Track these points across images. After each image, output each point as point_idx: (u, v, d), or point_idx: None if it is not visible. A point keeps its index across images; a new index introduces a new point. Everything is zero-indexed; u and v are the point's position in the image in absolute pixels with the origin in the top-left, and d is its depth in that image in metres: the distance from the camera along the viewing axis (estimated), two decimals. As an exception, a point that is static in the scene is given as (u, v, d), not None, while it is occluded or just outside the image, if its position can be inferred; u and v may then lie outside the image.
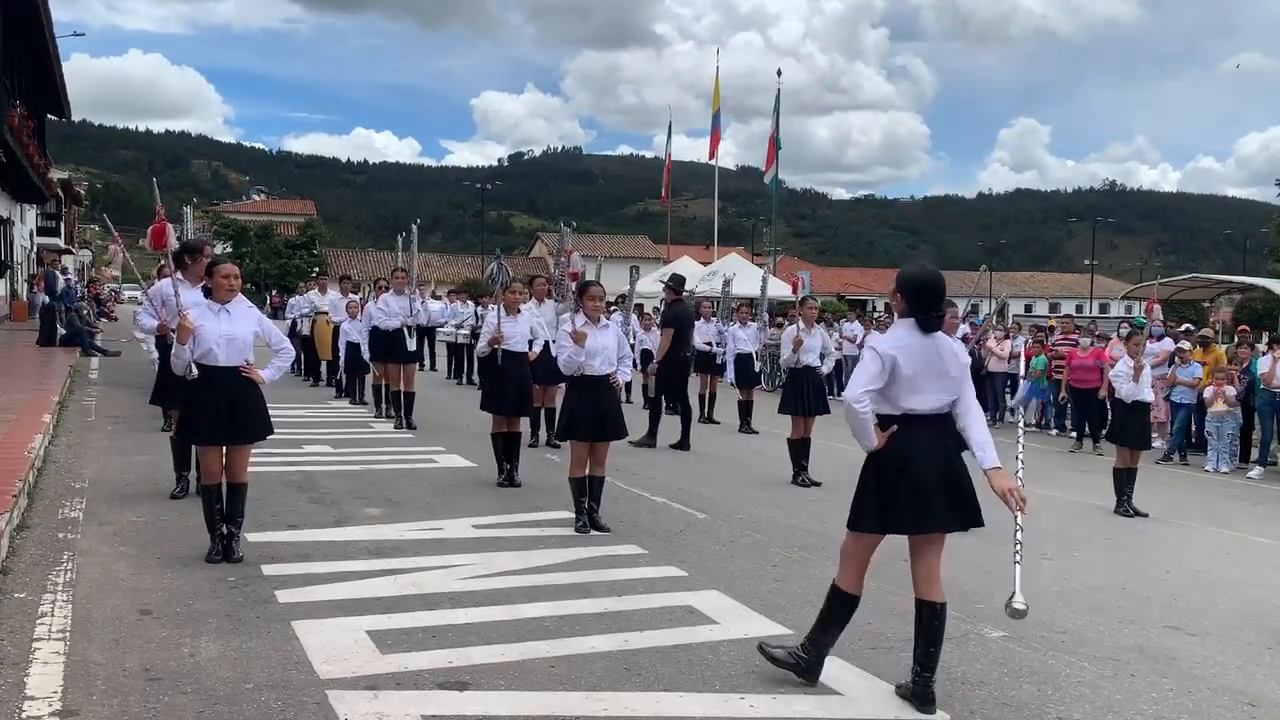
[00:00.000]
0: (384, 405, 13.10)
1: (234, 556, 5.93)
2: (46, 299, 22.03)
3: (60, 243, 41.30)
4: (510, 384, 8.85)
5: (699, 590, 5.84)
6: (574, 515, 7.23)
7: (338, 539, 6.62)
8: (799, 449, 9.84)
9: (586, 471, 7.24)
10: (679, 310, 12.34)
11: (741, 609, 5.52)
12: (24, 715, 3.82)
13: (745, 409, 14.13)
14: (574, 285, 7.71)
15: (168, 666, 4.33)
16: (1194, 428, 13.55)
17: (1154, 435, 14.64)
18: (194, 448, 7.05)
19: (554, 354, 7.83)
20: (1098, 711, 4.38)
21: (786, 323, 16.60)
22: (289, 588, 5.49)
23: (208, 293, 6.03)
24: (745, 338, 15.17)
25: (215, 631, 4.78)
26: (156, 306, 7.52)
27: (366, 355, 13.28)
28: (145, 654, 4.47)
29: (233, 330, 5.93)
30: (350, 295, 15.80)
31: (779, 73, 35.77)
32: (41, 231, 37.73)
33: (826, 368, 10.49)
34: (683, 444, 11.57)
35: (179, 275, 7.21)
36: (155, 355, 11.64)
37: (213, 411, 5.85)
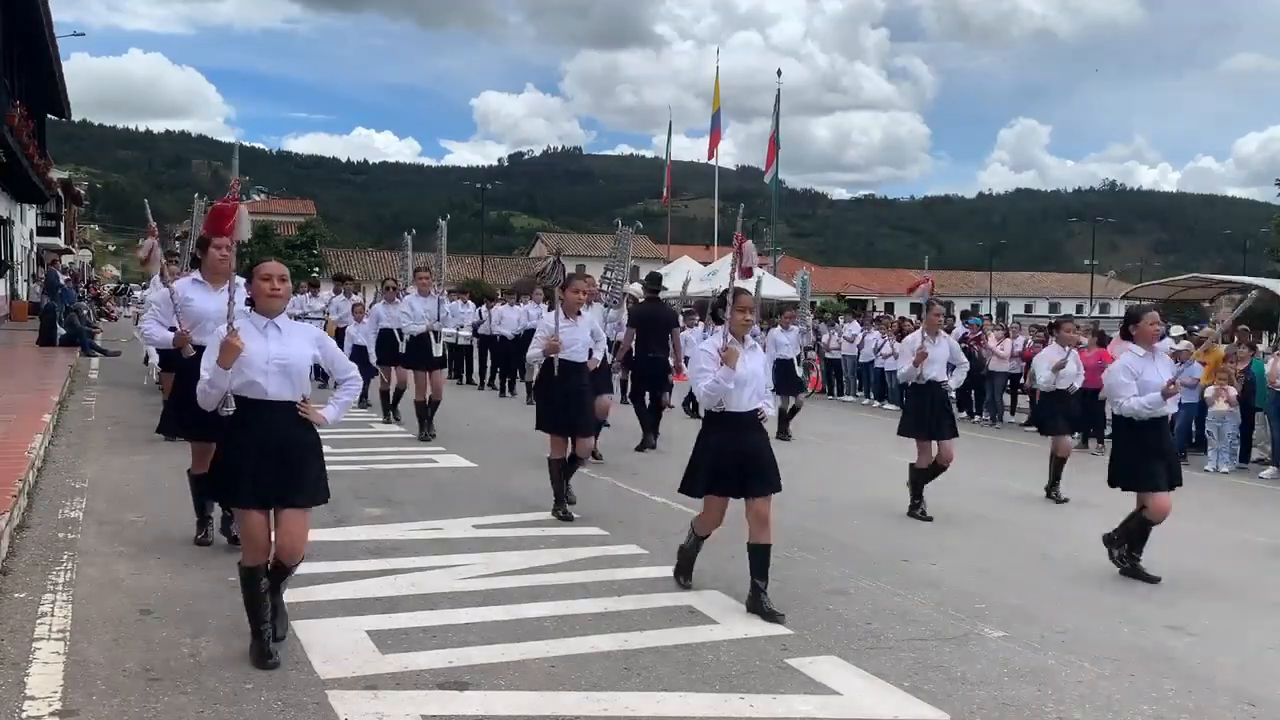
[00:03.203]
0: (391, 410, 12.79)
1: (279, 636, 4.56)
2: (44, 296, 22.02)
3: (60, 243, 41.30)
4: (570, 399, 7.67)
5: (699, 590, 5.84)
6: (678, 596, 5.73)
7: (338, 539, 6.61)
8: (922, 477, 8.47)
9: (751, 542, 5.57)
10: (646, 310, 12.05)
11: (741, 609, 5.52)
12: (24, 715, 3.82)
13: (788, 415, 13.57)
14: (734, 281, 5.68)
15: (168, 666, 4.34)
16: (1194, 427, 13.55)
17: None
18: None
19: (685, 380, 6.43)
20: (1098, 711, 4.38)
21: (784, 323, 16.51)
22: (289, 587, 5.46)
23: (249, 303, 4.57)
24: (786, 342, 14.29)
25: (215, 631, 4.78)
26: (165, 312, 6.30)
27: (373, 359, 12.76)
28: (145, 654, 4.47)
29: (285, 353, 4.45)
30: (354, 297, 15.69)
31: (779, 73, 35.80)
32: (41, 231, 37.71)
33: (955, 382, 8.87)
34: (645, 444, 11.30)
35: (197, 274, 6.23)
36: (155, 363, 11.00)
37: (256, 462, 4.37)
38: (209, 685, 4.16)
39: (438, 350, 11.70)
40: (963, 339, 17.54)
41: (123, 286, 54.49)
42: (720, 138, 38.62)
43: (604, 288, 11.79)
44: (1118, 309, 47.36)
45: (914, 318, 19.47)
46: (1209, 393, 12.73)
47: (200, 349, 5.69)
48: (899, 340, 18.78)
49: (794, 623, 5.28)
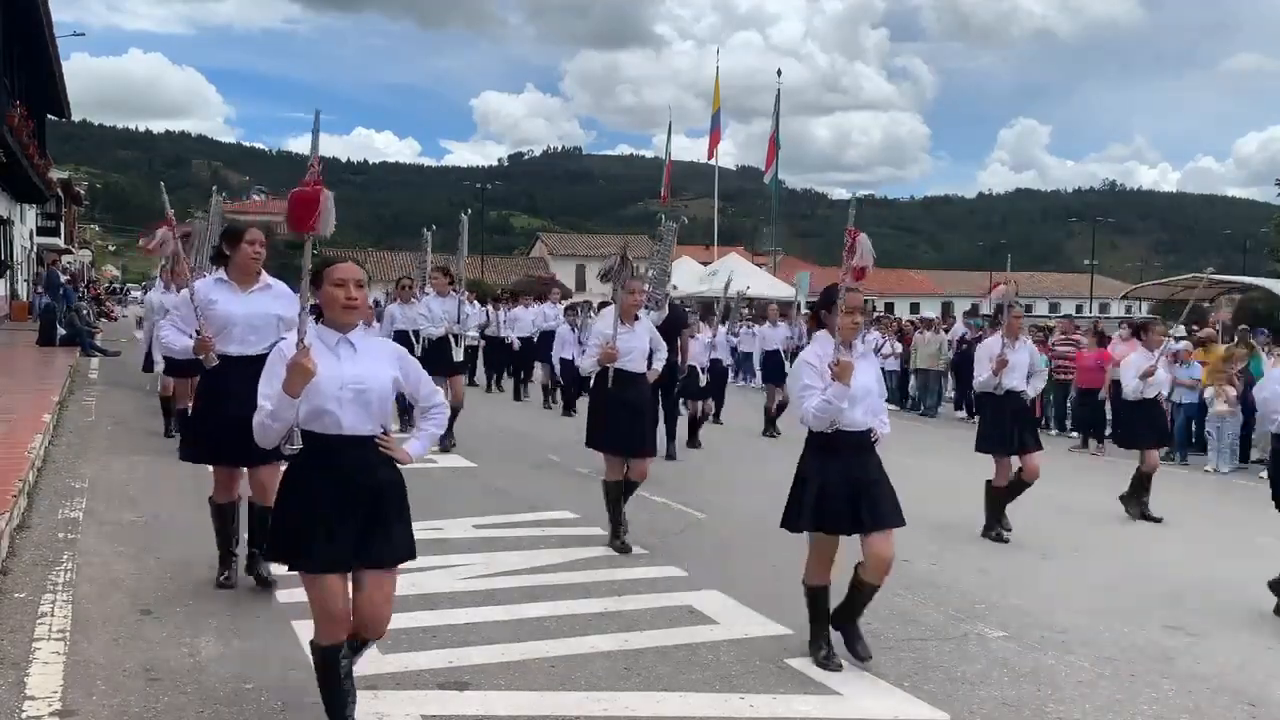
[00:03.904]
0: (405, 415, 12.43)
1: None
2: (45, 296, 22.01)
3: (60, 243, 41.31)
4: (627, 413, 6.87)
5: (699, 590, 5.84)
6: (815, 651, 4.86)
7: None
8: (1003, 496, 7.79)
9: (862, 578, 4.77)
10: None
11: (741, 609, 5.52)
12: (24, 715, 3.82)
13: (777, 411, 13.49)
14: (847, 280, 4.76)
15: (168, 666, 4.34)
16: (1194, 428, 13.55)
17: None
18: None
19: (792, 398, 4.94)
20: (1098, 711, 4.38)
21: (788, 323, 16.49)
22: (289, 587, 5.46)
23: (317, 314, 3.70)
24: (774, 336, 14.70)
25: (215, 631, 4.78)
26: (185, 318, 5.46)
27: None
28: (145, 654, 4.47)
29: (362, 375, 3.59)
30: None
31: (779, 73, 35.86)
32: (41, 231, 37.72)
33: (1033, 390, 8.17)
34: (692, 441, 11.47)
35: (220, 273, 5.51)
36: (160, 370, 10.13)
37: (331, 514, 3.53)
38: (209, 685, 4.16)
39: (458, 354, 11.20)
40: (963, 339, 17.57)
41: (118, 286, 54.31)
42: (720, 138, 38.66)
43: (644, 288, 11.56)
44: (1117, 309, 47.36)
45: (968, 322, 19.09)
46: (1209, 393, 12.74)
47: (226, 360, 5.28)
48: (899, 341, 18.84)
49: (794, 623, 5.28)
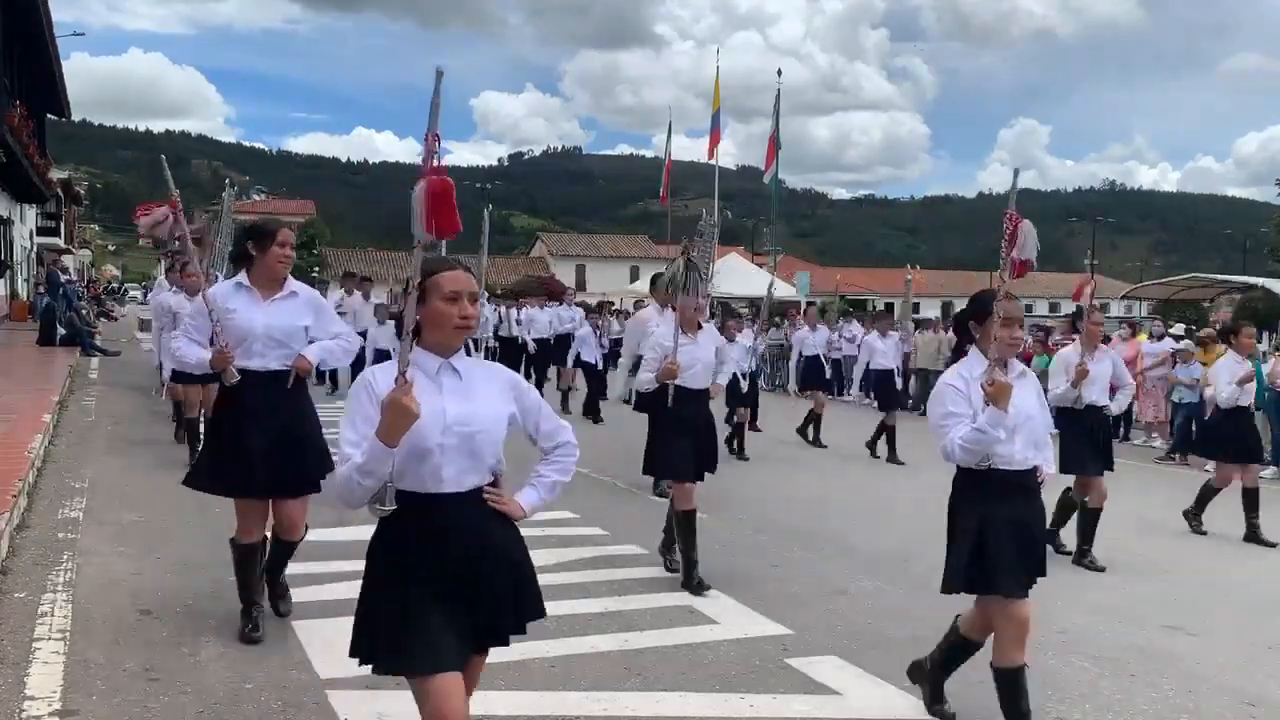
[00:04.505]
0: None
1: None
2: (45, 295, 22.01)
3: (60, 243, 41.32)
4: (691, 434, 6.15)
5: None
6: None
7: (338, 539, 6.61)
8: (1090, 519, 7.16)
9: (1012, 660, 3.94)
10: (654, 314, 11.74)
11: (741, 609, 5.52)
12: (24, 715, 3.82)
13: (816, 421, 12.85)
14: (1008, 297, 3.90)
15: (168, 666, 4.34)
16: (1194, 428, 13.55)
17: (1155, 435, 14.72)
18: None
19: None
20: (1098, 711, 4.38)
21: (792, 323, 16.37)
22: (289, 587, 5.49)
23: (404, 329, 2.79)
24: (813, 341, 13.62)
25: (215, 631, 4.78)
26: (200, 327, 4.84)
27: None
28: (145, 654, 4.47)
29: (471, 414, 2.82)
30: (373, 298, 15.29)
31: (779, 73, 35.71)
32: (41, 231, 37.73)
33: (1118, 406, 7.59)
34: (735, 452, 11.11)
35: (241, 277, 4.87)
36: (165, 375, 9.52)
37: (438, 592, 2.79)
38: (209, 685, 4.16)
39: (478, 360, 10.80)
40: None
41: (116, 286, 54.24)
42: (720, 138, 38.53)
43: (708, 292, 11.01)
44: (1117, 309, 47.34)
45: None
46: (1209, 393, 12.73)
47: (246, 375, 4.69)
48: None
49: (794, 623, 5.28)
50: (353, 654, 2.87)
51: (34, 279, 32.15)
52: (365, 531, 6.94)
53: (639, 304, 17.92)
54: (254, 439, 4.59)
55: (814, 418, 12.88)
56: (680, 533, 6.05)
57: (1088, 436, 7.11)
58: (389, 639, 2.78)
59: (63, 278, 24.26)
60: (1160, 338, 14.88)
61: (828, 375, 14.13)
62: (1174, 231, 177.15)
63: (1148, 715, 4.39)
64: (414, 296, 2.71)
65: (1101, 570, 6.95)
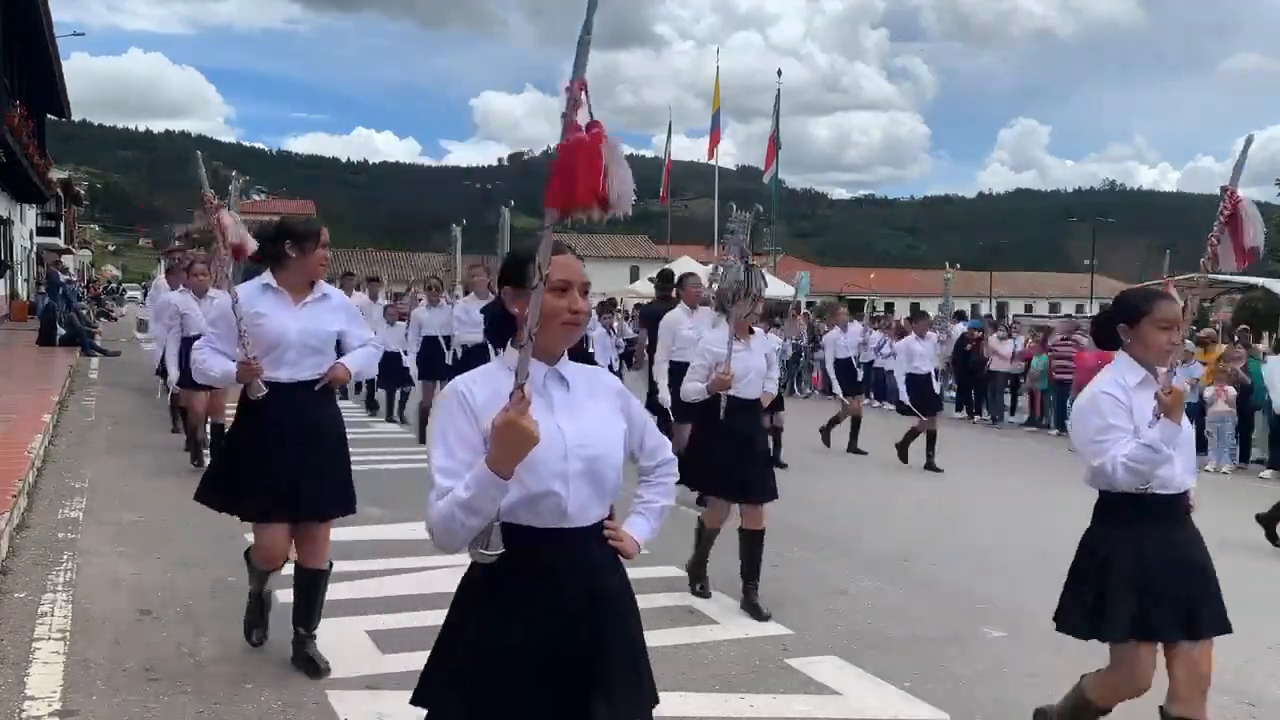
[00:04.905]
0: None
1: None
2: (45, 295, 22.01)
3: (60, 243, 41.34)
4: (740, 450, 5.68)
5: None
6: None
7: (338, 539, 6.56)
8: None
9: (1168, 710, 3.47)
10: (658, 309, 10.92)
11: (741, 609, 5.52)
12: (24, 715, 3.82)
13: (855, 426, 12.49)
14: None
15: (168, 666, 4.34)
16: (1193, 427, 13.58)
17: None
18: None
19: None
20: (1098, 711, 4.37)
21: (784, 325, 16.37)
22: (289, 588, 5.48)
23: (499, 336, 2.45)
24: (845, 342, 13.22)
25: (215, 631, 4.78)
26: (226, 335, 4.34)
27: (414, 373, 11.37)
28: (145, 654, 4.47)
29: (590, 433, 2.34)
30: (381, 299, 15.04)
31: (779, 73, 35.75)
32: (41, 231, 37.75)
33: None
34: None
35: (267, 278, 4.37)
36: (173, 379, 9.04)
37: (547, 653, 2.27)
38: (209, 685, 4.16)
39: None
40: (962, 339, 17.57)
41: (114, 286, 54.24)
42: (720, 138, 38.58)
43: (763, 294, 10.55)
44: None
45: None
46: (1208, 393, 12.75)
47: (275, 388, 4.25)
48: (898, 340, 18.82)
49: (794, 623, 5.28)
50: (415, 702, 2.40)
51: (34, 279, 32.16)
52: (365, 532, 6.94)
53: (638, 306, 17.72)
54: (280, 457, 4.21)
55: (852, 422, 12.49)
56: (701, 541, 5.92)
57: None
58: (480, 709, 2.26)
59: (62, 278, 24.26)
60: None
61: (859, 378, 13.71)
62: (1174, 231, 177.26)
63: (1147, 715, 4.38)
64: (540, 289, 2.12)
65: None
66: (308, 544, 4.42)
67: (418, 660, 4.46)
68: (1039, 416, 16.67)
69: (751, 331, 5.91)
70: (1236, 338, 14.72)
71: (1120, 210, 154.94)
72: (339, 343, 4.49)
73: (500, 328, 2.42)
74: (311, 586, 4.45)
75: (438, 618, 5.08)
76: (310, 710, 3.97)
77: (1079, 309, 62.88)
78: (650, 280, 15.44)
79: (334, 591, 5.44)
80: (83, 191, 57.89)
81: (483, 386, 2.29)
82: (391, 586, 5.63)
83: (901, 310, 42.51)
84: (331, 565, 4.57)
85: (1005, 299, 74.52)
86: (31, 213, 34.99)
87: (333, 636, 4.76)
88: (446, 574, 6.05)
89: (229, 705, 3.98)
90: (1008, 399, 17.76)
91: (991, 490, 10.23)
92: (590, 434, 2.32)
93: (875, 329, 19.43)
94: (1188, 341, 14.05)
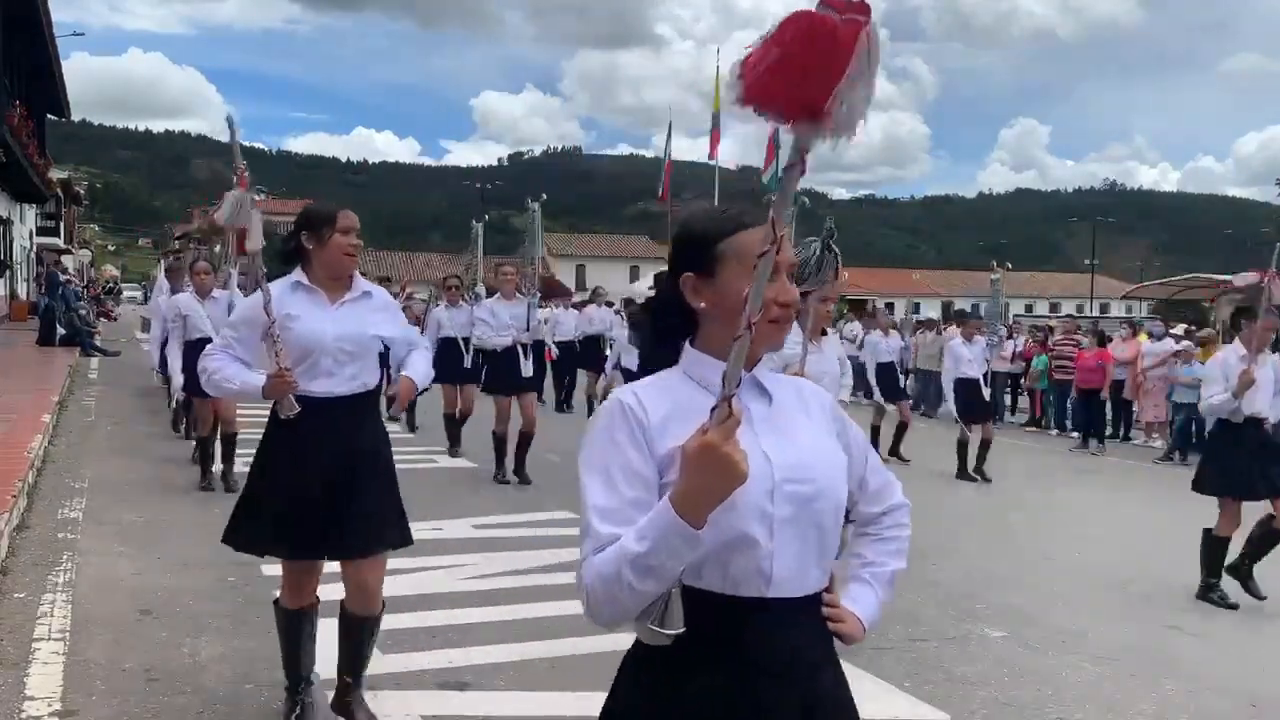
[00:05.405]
0: (456, 442, 10.62)
1: None
2: (44, 295, 22.01)
3: (60, 243, 41.33)
4: None
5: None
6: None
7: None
8: (1221, 548, 6.33)
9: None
10: None
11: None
12: (24, 715, 3.82)
13: (899, 432, 11.99)
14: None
15: (168, 666, 4.33)
16: (1194, 428, 13.56)
17: (1155, 435, 14.72)
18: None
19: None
20: (1098, 711, 4.38)
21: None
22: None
23: (668, 339, 1.79)
24: (886, 348, 12.62)
25: (215, 631, 4.78)
26: (248, 340, 3.71)
27: (430, 376, 11.08)
28: (145, 654, 4.47)
29: (803, 464, 1.68)
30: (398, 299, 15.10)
31: (779, 72, 35.65)
32: (41, 231, 37.74)
33: (1275, 416, 6.38)
34: None
35: (299, 275, 3.74)
36: (176, 385, 8.59)
37: None
38: (209, 685, 4.16)
39: (528, 369, 9.15)
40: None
41: (113, 285, 54.19)
42: (720, 138, 38.50)
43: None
44: (1118, 309, 47.34)
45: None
46: (1209, 393, 12.77)
47: (308, 403, 3.61)
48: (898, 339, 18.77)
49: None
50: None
51: (34, 279, 32.16)
52: (365, 531, 6.83)
53: (629, 302, 17.59)
54: (316, 482, 3.60)
55: (898, 427, 12.00)
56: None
57: (1245, 455, 6.19)
58: None
59: (62, 278, 24.25)
60: (1160, 338, 14.89)
61: (903, 384, 13.17)
62: (1174, 231, 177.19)
63: (1147, 715, 4.39)
64: (770, 257, 1.46)
65: (1232, 607, 6.16)
66: (353, 584, 3.78)
67: (417, 660, 4.50)
68: (1039, 416, 16.67)
69: (824, 332, 5.37)
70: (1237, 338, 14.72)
71: (1120, 210, 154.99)
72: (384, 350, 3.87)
73: (670, 329, 1.77)
74: (364, 635, 3.82)
75: (437, 618, 5.10)
76: (310, 710, 3.96)
77: (1079, 309, 62.87)
78: (653, 279, 15.44)
79: (334, 592, 5.43)
80: (82, 191, 57.83)
81: (654, 398, 1.69)
82: (391, 587, 5.60)
83: (901, 310, 42.42)
84: (384, 607, 3.92)
85: (1005, 299, 74.43)
86: (31, 213, 34.98)
87: (333, 637, 4.77)
88: (445, 574, 6.09)
89: (229, 705, 3.98)
90: (1007, 399, 17.76)
91: (991, 490, 10.23)
92: (806, 465, 1.67)
93: (918, 331, 18.70)
94: (1187, 342, 14.08)
